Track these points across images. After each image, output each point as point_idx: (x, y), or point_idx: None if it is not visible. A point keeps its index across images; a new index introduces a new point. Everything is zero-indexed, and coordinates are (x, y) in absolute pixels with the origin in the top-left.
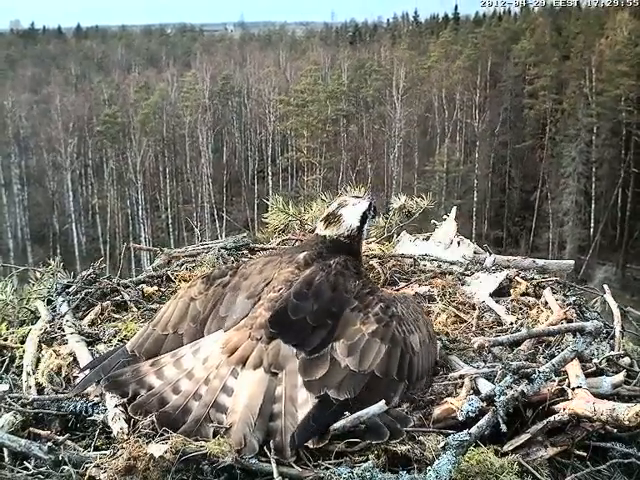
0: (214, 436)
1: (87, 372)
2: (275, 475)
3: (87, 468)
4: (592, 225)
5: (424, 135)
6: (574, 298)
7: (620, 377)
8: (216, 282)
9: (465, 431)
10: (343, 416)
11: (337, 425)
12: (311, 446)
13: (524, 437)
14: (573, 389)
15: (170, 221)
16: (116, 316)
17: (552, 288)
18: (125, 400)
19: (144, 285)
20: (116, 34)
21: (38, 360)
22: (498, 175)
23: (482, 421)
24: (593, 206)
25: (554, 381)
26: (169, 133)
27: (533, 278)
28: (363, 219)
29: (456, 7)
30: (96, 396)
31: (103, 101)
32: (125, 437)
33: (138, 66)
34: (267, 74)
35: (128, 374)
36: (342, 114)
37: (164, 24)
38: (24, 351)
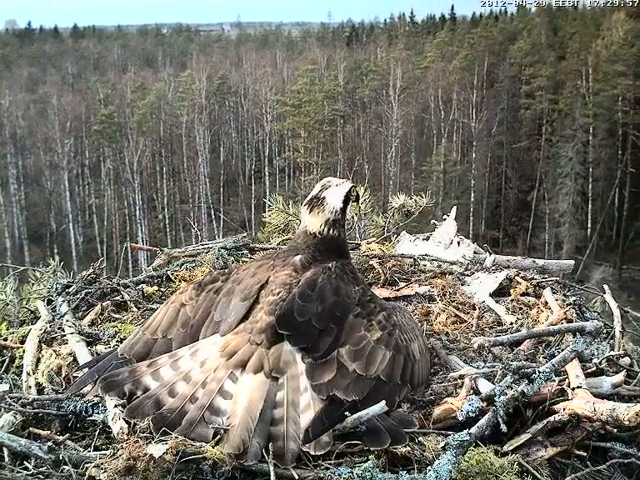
0: (214, 437)
1: (82, 373)
2: (272, 478)
3: (87, 468)
4: (589, 225)
5: (421, 135)
6: (574, 298)
7: (620, 377)
8: (207, 288)
9: (465, 431)
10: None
11: (338, 425)
12: (312, 453)
13: (524, 437)
14: (573, 389)
15: (167, 221)
16: (116, 316)
17: (552, 288)
18: (124, 400)
19: (144, 285)
20: (112, 34)
21: (38, 360)
22: (495, 175)
23: (482, 421)
24: (590, 206)
25: (554, 381)
26: (166, 133)
27: (533, 278)
28: (346, 201)
29: (452, 7)
30: (95, 396)
31: (99, 100)
32: (125, 437)
33: (134, 66)
34: (264, 74)
35: (125, 374)
36: (339, 114)
37: (160, 24)
38: (24, 351)
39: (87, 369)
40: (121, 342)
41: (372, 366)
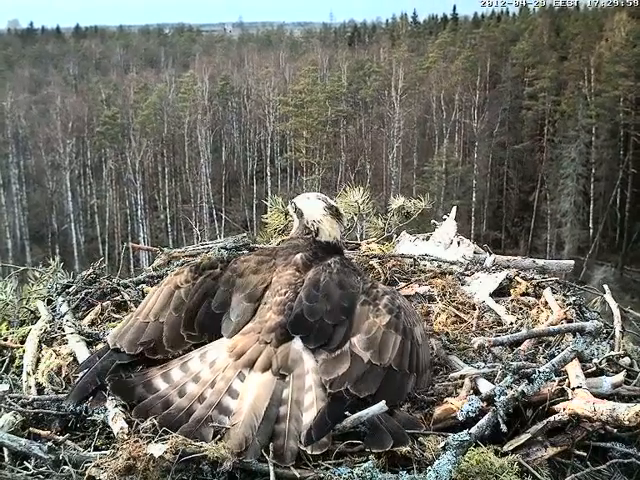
0: (214, 436)
1: (80, 376)
2: (272, 478)
3: (87, 468)
4: (591, 226)
5: (423, 136)
6: (574, 298)
7: (620, 377)
8: (205, 273)
9: (465, 431)
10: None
11: (338, 425)
12: (310, 452)
13: (524, 437)
14: (573, 389)
15: (169, 221)
16: (116, 316)
17: (552, 288)
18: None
19: (144, 285)
20: (114, 34)
21: (38, 360)
22: (497, 176)
23: (482, 421)
24: (592, 207)
25: (554, 381)
26: (168, 133)
27: (533, 278)
28: None
29: (454, 7)
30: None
31: (101, 101)
32: (125, 437)
33: (136, 66)
34: (266, 74)
35: (134, 378)
36: (341, 115)
37: (162, 24)
38: (24, 351)
39: (86, 370)
40: None
41: (385, 354)
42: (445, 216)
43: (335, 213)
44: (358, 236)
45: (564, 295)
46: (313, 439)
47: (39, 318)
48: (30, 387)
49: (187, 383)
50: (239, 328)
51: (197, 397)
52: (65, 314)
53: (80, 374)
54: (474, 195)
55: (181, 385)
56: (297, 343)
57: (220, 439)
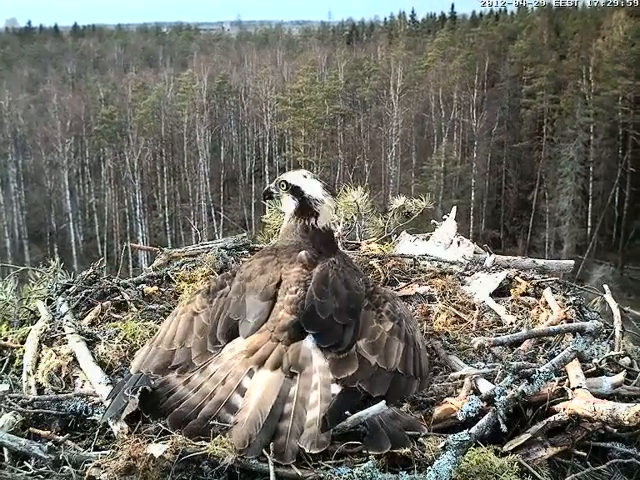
0: (214, 435)
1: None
2: (272, 477)
3: (87, 468)
4: (589, 225)
5: (422, 134)
6: (574, 298)
7: (620, 377)
8: (218, 294)
9: (465, 431)
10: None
11: (338, 425)
12: (307, 450)
13: (524, 437)
14: (573, 389)
15: (167, 220)
16: (116, 316)
17: (552, 288)
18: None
19: (144, 285)
20: (112, 33)
21: (38, 360)
22: (495, 175)
23: (482, 421)
24: (590, 205)
25: (554, 381)
26: (167, 132)
27: (533, 278)
28: None
29: (453, 6)
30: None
31: (99, 100)
32: (125, 437)
33: (135, 65)
34: (264, 73)
35: (159, 389)
36: (339, 113)
37: (160, 23)
38: (24, 351)
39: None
40: (122, 342)
41: (391, 359)
42: (445, 216)
43: (333, 193)
44: (357, 236)
45: (564, 295)
46: (328, 426)
47: (39, 318)
48: (30, 387)
49: (203, 383)
50: (257, 327)
51: (209, 394)
52: (65, 314)
53: (109, 400)
54: (473, 194)
55: (197, 385)
56: (308, 342)
57: (224, 435)
